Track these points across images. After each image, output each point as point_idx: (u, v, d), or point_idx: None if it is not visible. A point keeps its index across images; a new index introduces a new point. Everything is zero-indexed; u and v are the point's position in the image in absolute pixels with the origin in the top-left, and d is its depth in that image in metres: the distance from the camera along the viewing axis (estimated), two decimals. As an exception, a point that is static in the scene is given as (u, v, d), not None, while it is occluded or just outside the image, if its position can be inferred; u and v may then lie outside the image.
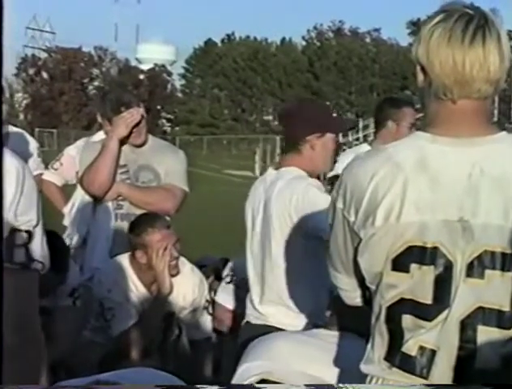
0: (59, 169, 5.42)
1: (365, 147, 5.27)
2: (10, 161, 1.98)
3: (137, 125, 4.60)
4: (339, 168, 4.66)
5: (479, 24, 1.97)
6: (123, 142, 4.61)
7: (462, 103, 1.99)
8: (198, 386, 2.26)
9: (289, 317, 3.53)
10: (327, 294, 3.41)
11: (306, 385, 2.64)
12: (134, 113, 4.59)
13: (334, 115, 3.61)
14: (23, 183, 2.03)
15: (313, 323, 3.49)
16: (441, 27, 1.99)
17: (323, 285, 3.37)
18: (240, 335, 3.84)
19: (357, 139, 37.40)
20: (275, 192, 3.52)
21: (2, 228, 1.93)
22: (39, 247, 2.07)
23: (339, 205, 2.07)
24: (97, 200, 4.64)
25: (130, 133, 4.61)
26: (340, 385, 2.28)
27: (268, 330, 3.47)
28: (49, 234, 2.71)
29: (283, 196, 3.48)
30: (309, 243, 3.43)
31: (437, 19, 2.01)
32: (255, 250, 3.65)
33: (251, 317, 3.67)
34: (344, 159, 4.93)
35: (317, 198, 3.39)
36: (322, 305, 3.45)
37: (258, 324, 3.60)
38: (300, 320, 3.53)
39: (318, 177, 3.71)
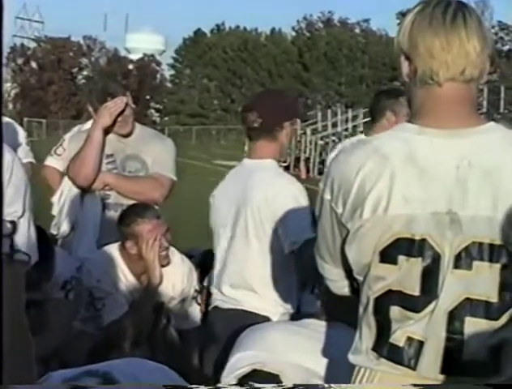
0: (62, 155, 5.37)
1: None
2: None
3: (121, 113, 4.59)
4: None
5: (458, 7, 2.01)
6: (108, 131, 4.60)
7: (448, 87, 2.00)
8: (200, 386, 2.27)
9: (257, 301, 3.60)
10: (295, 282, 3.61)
11: (295, 385, 2.65)
12: (118, 103, 4.57)
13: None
14: (11, 175, 2.02)
15: (283, 307, 3.60)
16: (421, 14, 2.02)
17: (293, 272, 3.56)
18: (208, 320, 3.90)
19: (346, 130, 37.29)
20: (254, 184, 3.59)
21: (2, 224, 1.93)
22: (25, 238, 2.06)
23: (327, 196, 2.07)
24: (84, 190, 4.64)
25: (115, 122, 4.59)
26: (326, 385, 2.30)
27: (236, 313, 3.58)
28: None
29: (262, 192, 3.56)
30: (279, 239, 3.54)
31: (417, 8, 2.04)
32: (225, 237, 3.71)
33: (218, 301, 3.72)
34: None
35: (296, 203, 3.50)
36: (292, 291, 3.62)
37: (226, 308, 3.66)
38: (269, 304, 3.60)
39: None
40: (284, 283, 3.59)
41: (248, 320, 3.45)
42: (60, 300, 4.09)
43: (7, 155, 2.03)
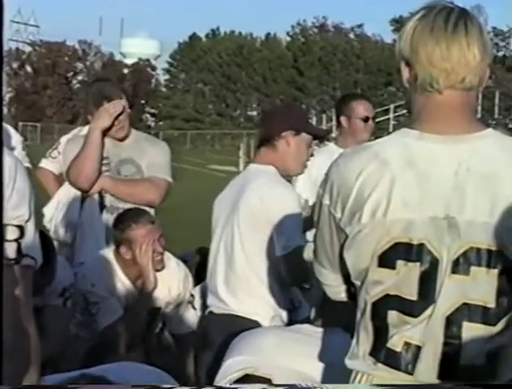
0: (57, 158, 5.35)
1: (332, 147, 5.34)
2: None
3: (118, 116, 4.61)
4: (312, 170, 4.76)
5: (460, 15, 2.01)
6: (104, 135, 4.60)
7: (448, 94, 2.00)
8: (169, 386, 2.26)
9: (248, 304, 3.58)
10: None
11: (276, 385, 2.65)
12: (117, 105, 4.60)
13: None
14: (15, 179, 2.01)
15: (274, 310, 3.58)
16: (423, 21, 2.02)
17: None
18: (203, 325, 3.88)
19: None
20: (250, 187, 3.59)
21: (2, 225, 1.92)
22: (31, 242, 2.05)
23: (326, 201, 2.07)
24: (84, 192, 4.64)
25: (112, 125, 4.61)
26: (316, 385, 2.29)
27: (228, 319, 3.56)
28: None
29: (258, 195, 3.55)
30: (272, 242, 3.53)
31: (419, 14, 2.04)
32: (221, 241, 3.69)
33: (213, 307, 3.70)
34: (315, 158, 5.00)
35: (291, 209, 3.49)
36: (284, 294, 3.61)
37: (219, 313, 3.65)
38: (260, 308, 3.58)
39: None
40: (276, 286, 3.58)
41: (238, 325, 3.45)
42: (58, 307, 4.05)
43: (10, 159, 2.02)
